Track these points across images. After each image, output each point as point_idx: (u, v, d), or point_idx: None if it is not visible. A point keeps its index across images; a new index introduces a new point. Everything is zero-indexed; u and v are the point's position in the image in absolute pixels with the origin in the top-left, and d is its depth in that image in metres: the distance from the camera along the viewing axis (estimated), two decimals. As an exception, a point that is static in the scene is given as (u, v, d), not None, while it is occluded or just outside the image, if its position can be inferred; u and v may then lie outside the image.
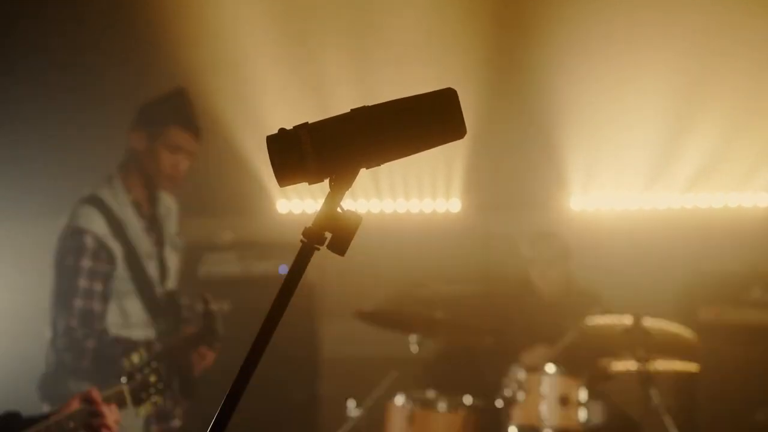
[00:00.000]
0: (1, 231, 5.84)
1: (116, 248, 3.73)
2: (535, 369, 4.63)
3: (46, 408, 3.62)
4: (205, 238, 5.87)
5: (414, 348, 4.81)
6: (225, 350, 5.24)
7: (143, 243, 3.82)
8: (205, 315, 3.64)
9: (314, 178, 1.44)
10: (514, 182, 6.33)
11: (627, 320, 4.50)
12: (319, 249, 1.44)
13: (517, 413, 4.54)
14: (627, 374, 4.61)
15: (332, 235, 1.43)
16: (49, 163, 5.65)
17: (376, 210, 6.34)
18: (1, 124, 5.47)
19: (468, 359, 5.34)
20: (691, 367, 4.72)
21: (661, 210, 6.33)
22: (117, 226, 3.73)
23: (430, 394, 4.81)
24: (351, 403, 4.83)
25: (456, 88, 1.45)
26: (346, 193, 1.46)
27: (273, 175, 4.80)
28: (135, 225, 3.81)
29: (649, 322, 4.50)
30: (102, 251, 3.69)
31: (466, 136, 1.44)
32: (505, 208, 6.33)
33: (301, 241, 1.44)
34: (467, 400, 4.76)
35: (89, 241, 3.67)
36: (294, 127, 1.44)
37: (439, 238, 6.22)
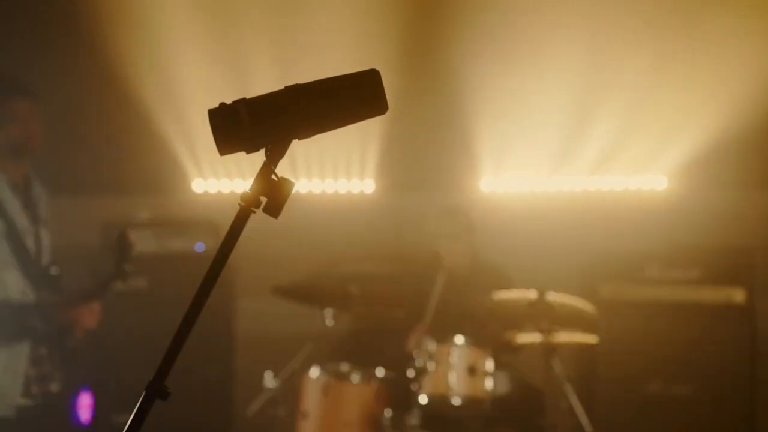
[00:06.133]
0: None
1: None
2: (445, 341, 4.84)
3: None
4: (122, 216, 5.92)
5: (329, 322, 4.98)
6: (142, 325, 5.34)
7: (21, 220, 4.02)
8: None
9: (251, 147, 1.59)
10: (427, 164, 6.52)
11: (531, 294, 4.75)
12: (255, 212, 1.59)
13: (427, 383, 4.74)
14: (531, 346, 4.86)
15: (267, 199, 1.59)
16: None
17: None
18: None
19: (380, 333, 5.52)
20: (591, 338, 4.99)
21: (566, 192, 6.61)
22: None
23: (344, 366, 4.98)
24: (268, 375, 4.98)
25: (374, 66, 1.62)
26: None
27: (189, 154, 4.91)
28: (14, 203, 4.01)
29: (552, 297, 4.76)
30: None
31: (380, 119, 1.62)
32: (418, 189, 6.52)
33: (239, 204, 1.59)
34: (379, 372, 4.95)
35: None
36: (233, 101, 1.58)
37: (353, 218, 6.39)
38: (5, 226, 3.99)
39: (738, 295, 5.77)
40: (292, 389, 4.97)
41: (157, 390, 1.58)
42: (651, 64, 5.90)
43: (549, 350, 4.69)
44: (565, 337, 4.86)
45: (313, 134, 1.61)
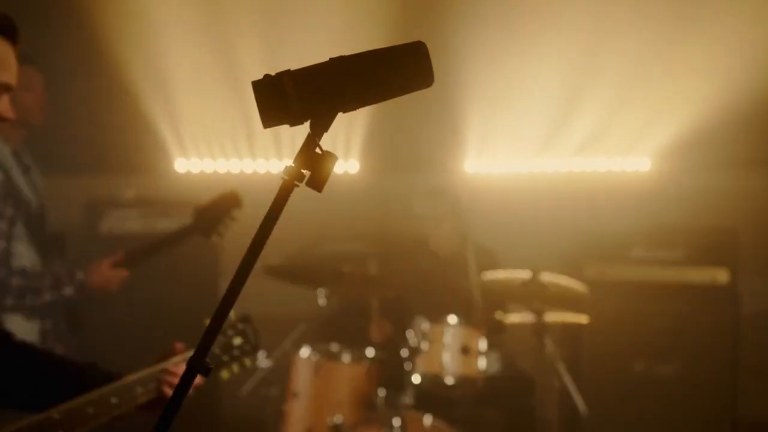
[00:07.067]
0: None
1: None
2: (438, 320, 4.84)
3: None
4: (106, 195, 5.86)
5: (322, 302, 4.95)
6: (128, 304, 5.29)
7: (27, 189, 3.96)
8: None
9: (295, 120, 1.57)
10: (412, 145, 6.52)
11: (524, 274, 4.76)
12: (298, 186, 1.57)
13: (420, 363, 4.74)
14: (523, 325, 4.87)
15: (311, 173, 1.56)
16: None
17: (275, 170, 6.42)
18: None
19: (371, 312, 5.50)
20: (581, 318, 5.01)
21: (550, 174, 6.64)
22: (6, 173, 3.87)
23: (335, 346, 4.97)
24: (261, 354, 4.95)
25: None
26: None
27: (173, 133, 4.83)
28: (17, 170, 3.95)
29: (545, 277, 4.77)
30: (9, 195, 3.82)
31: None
32: (403, 170, 6.51)
33: (282, 178, 1.56)
34: (369, 352, 4.94)
35: None
36: (277, 73, 1.55)
37: (337, 198, 6.36)
38: (12, 191, 3.90)
39: (721, 276, 5.82)
40: (284, 369, 4.94)
41: (198, 365, 1.55)
42: (635, 48, 5.92)
43: (540, 329, 4.70)
44: (556, 316, 4.88)
45: (359, 107, 1.58)
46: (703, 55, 5.87)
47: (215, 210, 3.79)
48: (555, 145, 6.45)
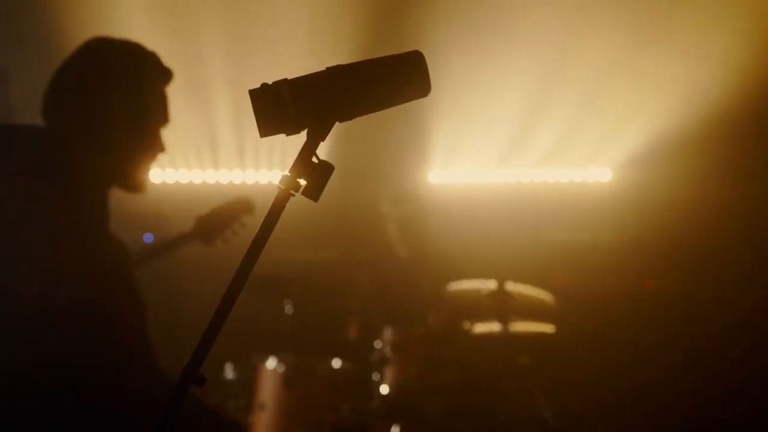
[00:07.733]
0: None
1: None
2: (404, 330, 4.83)
3: None
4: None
5: (289, 311, 4.92)
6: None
7: None
8: None
9: (292, 129, 1.56)
10: (376, 155, 6.52)
11: (490, 284, 4.78)
12: (294, 195, 1.56)
13: (388, 373, 4.73)
14: (490, 335, 4.88)
15: (307, 182, 1.56)
16: None
17: (238, 181, 6.39)
18: None
19: (336, 322, 5.48)
20: (548, 328, 5.04)
21: (513, 184, 6.68)
22: None
23: (301, 357, 4.94)
24: (228, 367, 4.90)
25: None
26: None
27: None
28: None
29: (511, 287, 4.79)
30: None
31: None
32: (367, 180, 6.50)
33: (278, 188, 1.55)
34: (336, 363, 4.91)
35: None
36: (274, 82, 1.55)
37: (301, 206, 6.31)
38: None
39: (683, 285, 5.90)
40: (250, 380, 4.90)
41: (192, 376, 1.54)
42: (597, 60, 5.99)
43: (507, 339, 4.72)
44: (523, 326, 4.90)
45: (355, 116, 1.59)
46: (664, 68, 5.96)
47: (221, 216, 3.71)
48: (517, 156, 6.50)
